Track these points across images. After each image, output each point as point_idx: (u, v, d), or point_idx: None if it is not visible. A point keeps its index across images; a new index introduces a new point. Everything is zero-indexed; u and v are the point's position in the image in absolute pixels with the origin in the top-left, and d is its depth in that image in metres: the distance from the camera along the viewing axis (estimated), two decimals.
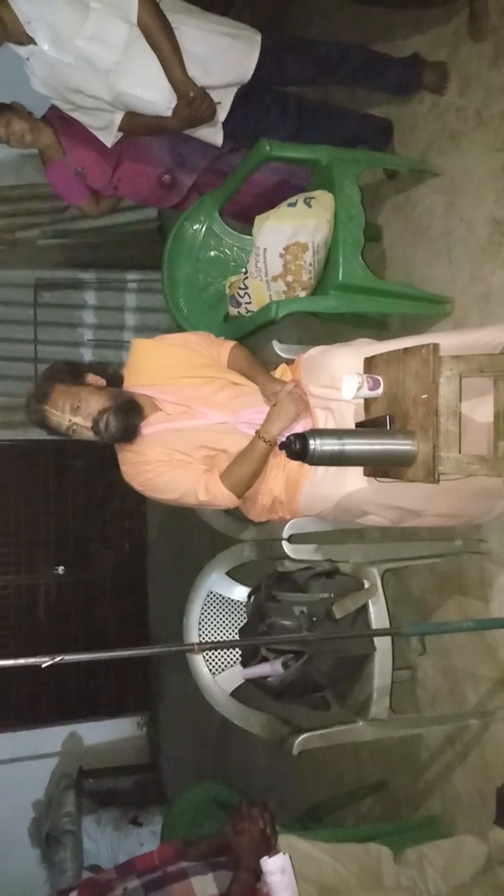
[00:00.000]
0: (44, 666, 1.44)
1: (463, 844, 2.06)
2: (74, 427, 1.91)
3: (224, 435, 1.97)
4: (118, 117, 2.34)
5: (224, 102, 2.34)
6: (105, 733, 5.45)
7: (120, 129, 2.38)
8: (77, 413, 1.90)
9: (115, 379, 2.03)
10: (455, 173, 2.42)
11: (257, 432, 1.91)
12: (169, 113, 2.29)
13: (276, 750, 2.26)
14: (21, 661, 1.46)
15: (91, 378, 1.99)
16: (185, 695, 4.22)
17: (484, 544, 2.22)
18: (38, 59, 2.21)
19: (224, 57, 2.28)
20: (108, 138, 2.42)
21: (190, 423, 1.97)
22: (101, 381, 1.99)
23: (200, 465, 1.97)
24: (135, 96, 2.26)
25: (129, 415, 1.94)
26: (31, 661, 1.45)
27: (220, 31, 2.29)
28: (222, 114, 2.36)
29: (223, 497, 1.94)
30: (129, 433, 1.95)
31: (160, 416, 1.99)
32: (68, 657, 1.46)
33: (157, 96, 2.26)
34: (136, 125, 2.36)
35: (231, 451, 1.96)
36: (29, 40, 2.19)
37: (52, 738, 5.25)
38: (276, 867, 1.61)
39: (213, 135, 2.43)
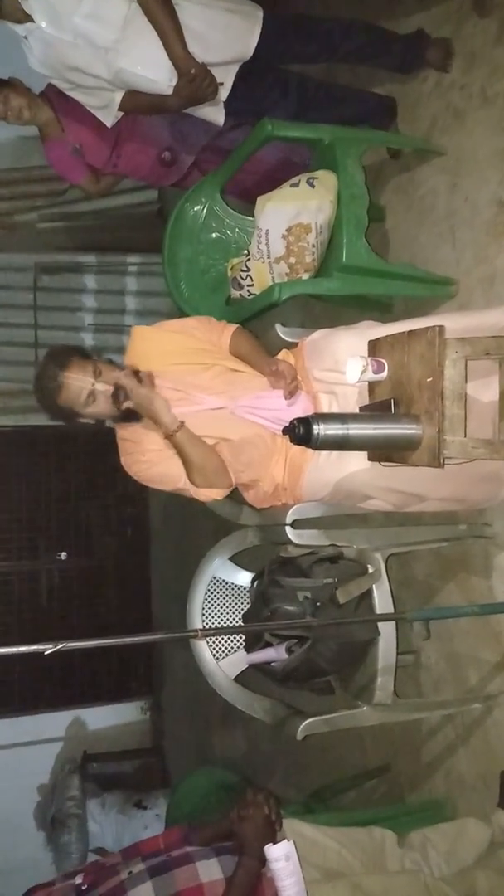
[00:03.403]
0: (46, 653, 1.44)
1: (466, 828, 2.07)
2: (95, 392, 1.86)
3: (223, 421, 1.95)
4: (118, 96, 2.31)
5: (226, 82, 2.30)
6: (109, 718, 5.47)
7: (120, 109, 2.34)
8: (99, 378, 1.86)
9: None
10: (459, 153, 2.38)
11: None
12: (170, 91, 2.26)
13: (280, 734, 2.27)
14: (23, 648, 1.46)
15: (98, 358, 1.97)
16: (189, 679, 4.23)
17: (488, 528, 2.21)
18: (36, 38, 2.18)
19: (225, 33, 2.24)
20: (108, 118, 2.39)
21: (189, 409, 1.95)
22: (106, 360, 1.97)
23: None
24: (135, 74, 2.22)
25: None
26: (33, 648, 1.45)
27: (220, 7, 2.24)
28: (224, 93, 2.32)
29: (204, 495, 1.94)
30: None
31: None
32: (71, 644, 1.45)
33: (157, 74, 2.22)
34: (137, 104, 2.33)
35: (232, 437, 1.93)
36: (26, 18, 2.16)
37: (55, 722, 5.27)
38: (280, 854, 1.61)
39: (214, 113, 2.39)
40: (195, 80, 2.21)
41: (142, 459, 1.95)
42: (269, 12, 2.31)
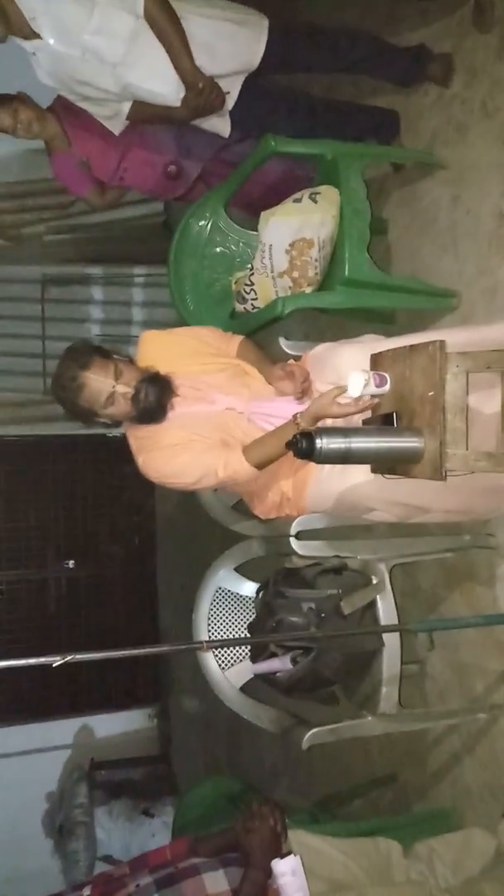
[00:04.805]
0: (54, 665, 1.46)
1: (472, 838, 2.07)
2: (116, 395, 1.87)
3: (238, 423, 1.95)
4: (126, 107, 2.33)
5: (232, 91, 2.33)
6: (116, 725, 5.46)
7: (128, 118, 2.37)
8: (120, 379, 1.87)
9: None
10: (461, 166, 2.40)
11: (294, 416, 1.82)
12: (178, 103, 2.28)
13: (286, 742, 2.28)
14: (32, 661, 1.47)
15: (118, 357, 1.97)
16: (196, 686, 4.23)
17: (492, 539, 2.22)
18: (45, 53, 2.20)
19: (231, 43, 2.26)
20: (117, 127, 2.41)
21: (206, 408, 1.96)
22: (126, 359, 1.98)
23: (218, 443, 1.94)
24: (143, 88, 2.25)
25: (164, 387, 1.93)
26: (41, 660, 1.47)
27: (225, 18, 2.26)
28: (230, 102, 2.35)
29: (244, 471, 1.89)
30: (162, 407, 1.92)
31: (176, 401, 1.98)
32: (78, 656, 1.47)
33: (165, 87, 2.25)
34: (145, 114, 2.36)
35: (244, 441, 1.93)
36: (34, 35, 2.18)
37: (63, 730, 5.26)
38: (286, 869, 1.62)
39: (220, 125, 2.42)
40: (203, 93, 2.24)
41: (162, 455, 1.94)
42: (274, 21, 2.32)
